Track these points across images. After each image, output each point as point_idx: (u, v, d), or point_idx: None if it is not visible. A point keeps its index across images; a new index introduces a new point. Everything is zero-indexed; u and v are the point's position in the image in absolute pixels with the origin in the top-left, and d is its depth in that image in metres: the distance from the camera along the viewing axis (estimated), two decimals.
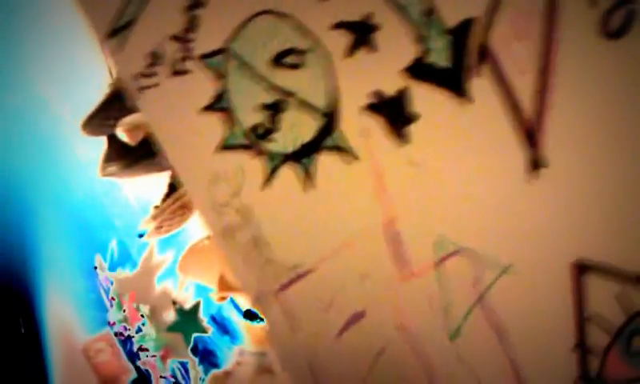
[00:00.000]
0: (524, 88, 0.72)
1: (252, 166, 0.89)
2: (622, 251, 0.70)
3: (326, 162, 0.84)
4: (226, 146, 0.90)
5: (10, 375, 2.42)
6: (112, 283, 2.51)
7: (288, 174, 0.87)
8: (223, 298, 1.55)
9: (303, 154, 0.85)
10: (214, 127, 0.91)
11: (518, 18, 0.72)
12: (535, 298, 0.74)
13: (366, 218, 0.83)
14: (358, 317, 0.85)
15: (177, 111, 0.93)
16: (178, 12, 0.92)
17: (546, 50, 0.70)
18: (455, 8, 0.75)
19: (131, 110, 1.29)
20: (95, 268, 2.55)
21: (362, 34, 0.80)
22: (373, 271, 0.83)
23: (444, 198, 0.78)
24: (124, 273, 2.45)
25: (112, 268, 2.49)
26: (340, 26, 0.81)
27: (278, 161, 0.87)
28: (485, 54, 0.74)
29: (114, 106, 1.39)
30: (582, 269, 0.72)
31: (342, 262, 0.85)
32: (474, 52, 0.74)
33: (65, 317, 2.47)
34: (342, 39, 0.81)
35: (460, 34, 0.75)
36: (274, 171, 0.88)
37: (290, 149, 0.86)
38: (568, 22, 0.69)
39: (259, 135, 0.88)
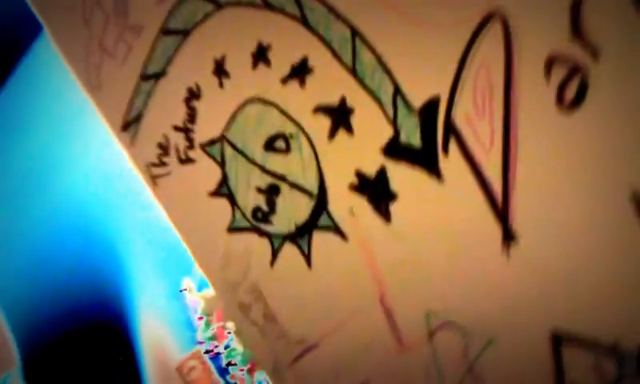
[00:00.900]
0: (490, 164, 0.72)
1: (258, 246, 0.94)
2: (597, 322, 0.69)
3: (320, 242, 0.88)
4: (233, 229, 0.96)
5: None
6: (199, 303, 2.66)
7: (289, 253, 0.91)
8: None
9: (298, 235, 0.89)
10: (222, 210, 0.97)
11: (479, 96, 0.72)
12: (518, 369, 0.75)
13: (362, 293, 0.85)
14: None
15: (188, 198, 0.99)
16: (178, 103, 0.98)
17: (507, 125, 0.70)
18: (420, 88, 0.76)
19: None
20: (183, 290, 2.71)
21: (339, 117, 0.82)
22: (373, 344, 0.86)
23: (430, 274, 0.79)
24: (209, 293, 2.58)
25: (199, 289, 2.64)
26: (318, 110, 0.83)
27: (278, 242, 0.92)
28: (451, 133, 0.74)
29: None
30: (558, 340, 0.71)
31: (345, 334, 0.88)
32: (440, 131, 0.75)
33: (159, 339, 2.66)
34: (323, 123, 0.83)
35: (427, 113, 0.76)
36: (276, 252, 0.92)
37: (286, 230, 0.90)
38: (525, 97, 0.69)
39: (259, 218, 0.92)
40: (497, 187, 0.72)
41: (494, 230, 0.73)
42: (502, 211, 0.72)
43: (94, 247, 2.64)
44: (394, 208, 0.81)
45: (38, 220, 2.45)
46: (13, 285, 2.47)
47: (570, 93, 0.65)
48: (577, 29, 0.63)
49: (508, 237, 0.72)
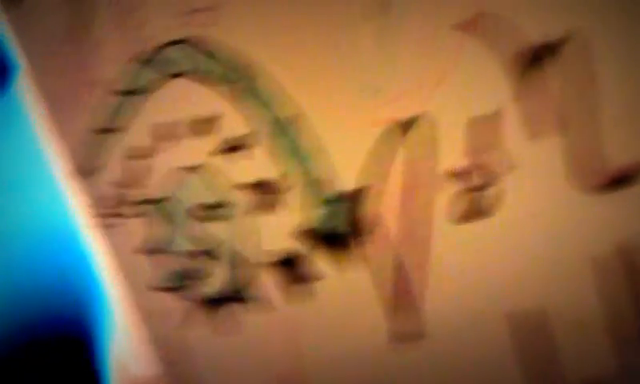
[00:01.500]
0: (404, 259, 0.74)
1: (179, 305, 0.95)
2: None
3: (241, 312, 0.89)
4: (158, 287, 0.97)
5: None
6: None
7: (214, 318, 0.93)
8: None
9: (218, 303, 0.91)
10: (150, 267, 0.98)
11: (399, 192, 0.74)
12: None
13: (283, 368, 0.87)
14: None
15: (121, 251, 1.01)
16: (124, 160, 1.00)
17: (423, 222, 0.72)
18: (343, 178, 0.78)
19: None
20: None
21: (264, 194, 0.84)
22: None
23: (331, 359, 0.82)
24: None
25: None
26: (247, 185, 0.85)
27: (197, 305, 0.93)
28: (376, 223, 0.76)
29: None
30: None
31: None
32: (367, 219, 0.77)
33: (126, 358, 2.66)
34: (247, 197, 0.85)
35: (349, 204, 0.78)
36: (194, 314, 0.94)
37: (206, 296, 0.92)
38: (439, 201, 0.71)
39: (179, 280, 0.94)
40: (408, 286, 0.74)
41: (397, 326, 0.75)
42: (405, 309, 0.74)
43: (66, 256, 2.63)
44: (318, 287, 0.82)
45: (9, 222, 2.44)
46: None
47: (479, 206, 0.68)
48: (489, 145, 0.65)
49: (413, 334, 0.75)
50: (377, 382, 0.78)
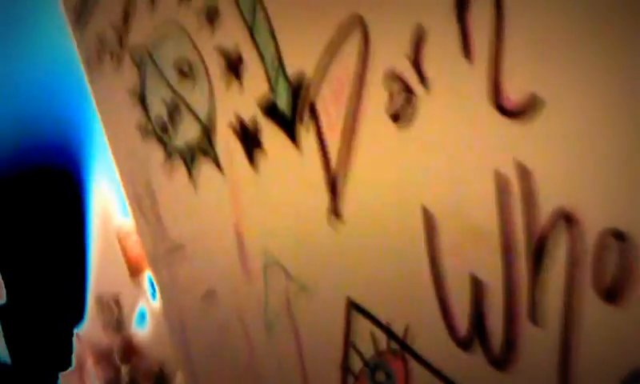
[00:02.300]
0: (333, 149, 0.85)
1: (156, 152, 1.08)
2: (383, 299, 0.84)
3: (203, 167, 1.01)
4: (141, 129, 1.09)
5: (55, 254, 2.77)
6: None
7: (179, 167, 1.05)
8: None
9: (188, 154, 1.03)
10: (136, 110, 1.10)
11: (337, 85, 0.83)
12: (320, 318, 0.91)
13: (224, 216, 1.00)
14: (209, 294, 1.05)
15: (115, 92, 1.12)
16: (118, 4, 1.09)
17: (353, 119, 0.82)
18: (295, 60, 0.87)
19: None
20: None
21: (231, 63, 0.93)
22: (224, 258, 1.02)
23: (274, 223, 0.94)
24: None
25: None
26: (219, 50, 0.95)
27: (172, 154, 1.05)
28: (311, 110, 0.86)
29: None
30: (353, 306, 0.87)
31: (206, 244, 1.04)
32: (306, 107, 0.87)
33: (107, 197, 2.79)
34: (220, 62, 0.95)
35: (296, 85, 0.87)
36: (169, 162, 1.06)
37: (180, 145, 1.04)
38: (368, 99, 0.81)
39: (160, 127, 1.06)
40: (335, 171, 0.85)
41: (325, 204, 0.87)
42: (334, 191, 0.85)
43: (64, 90, 2.67)
44: (261, 159, 0.94)
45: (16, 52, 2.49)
46: None
47: (403, 110, 0.78)
48: (417, 60, 0.75)
49: (335, 213, 0.86)
50: (310, 249, 0.90)
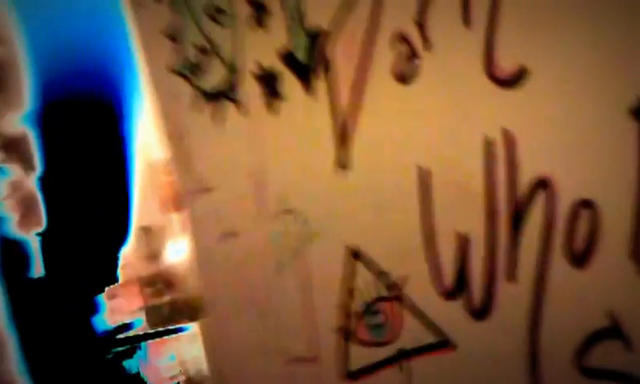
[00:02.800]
0: (344, 103, 0.91)
1: (191, 92, 1.15)
2: (382, 248, 0.92)
3: (229, 109, 1.08)
4: (173, 70, 1.16)
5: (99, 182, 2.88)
6: None
7: (207, 108, 1.12)
8: None
9: (214, 97, 1.10)
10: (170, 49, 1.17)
11: (348, 41, 0.89)
12: (327, 268, 0.99)
13: (246, 160, 1.07)
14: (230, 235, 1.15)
15: (152, 33, 1.19)
16: None
17: (362, 75, 0.88)
18: (315, 13, 0.92)
19: None
20: None
21: (257, 11, 0.99)
22: (242, 203, 1.10)
23: (288, 170, 1.01)
24: None
25: None
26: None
27: (199, 95, 1.12)
28: (326, 63, 0.92)
29: None
30: (355, 254, 0.94)
31: (230, 182, 1.12)
32: (321, 59, 0.92)
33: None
34: (247, 10, 1.01)
35: (314, 39, 0.93)
36: (197, 102, 1.13)
37: (207, 88, 1.11)
38: (377, 57, 0.86)
39: (190, 69, 1.13)
40: (342, 123, 0.91)
41: (331, 155, 0.94)
42: (342, 142, 0.92)
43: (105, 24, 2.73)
44: (280, 105, 1.00)
45: None
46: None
47: (407, 71, 0.83)
48: (422, 23, 0.80)
49: (342, 164, 0.93)
50: (319, 196, 0.97)
